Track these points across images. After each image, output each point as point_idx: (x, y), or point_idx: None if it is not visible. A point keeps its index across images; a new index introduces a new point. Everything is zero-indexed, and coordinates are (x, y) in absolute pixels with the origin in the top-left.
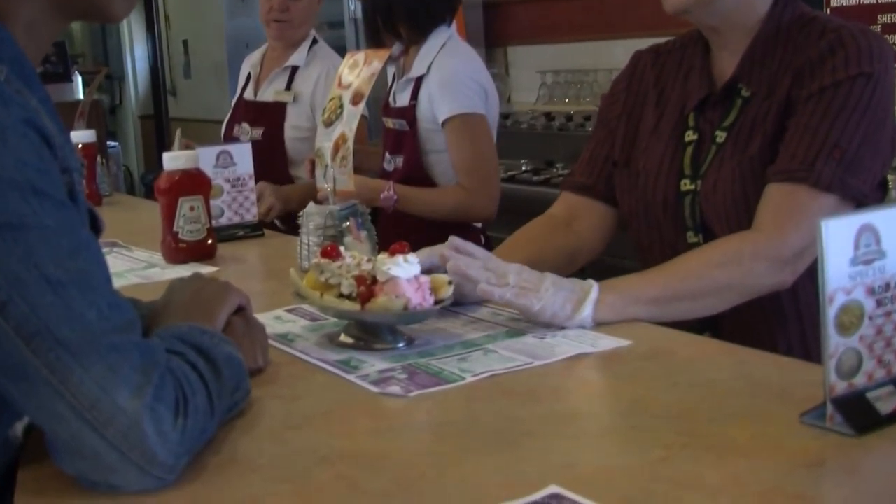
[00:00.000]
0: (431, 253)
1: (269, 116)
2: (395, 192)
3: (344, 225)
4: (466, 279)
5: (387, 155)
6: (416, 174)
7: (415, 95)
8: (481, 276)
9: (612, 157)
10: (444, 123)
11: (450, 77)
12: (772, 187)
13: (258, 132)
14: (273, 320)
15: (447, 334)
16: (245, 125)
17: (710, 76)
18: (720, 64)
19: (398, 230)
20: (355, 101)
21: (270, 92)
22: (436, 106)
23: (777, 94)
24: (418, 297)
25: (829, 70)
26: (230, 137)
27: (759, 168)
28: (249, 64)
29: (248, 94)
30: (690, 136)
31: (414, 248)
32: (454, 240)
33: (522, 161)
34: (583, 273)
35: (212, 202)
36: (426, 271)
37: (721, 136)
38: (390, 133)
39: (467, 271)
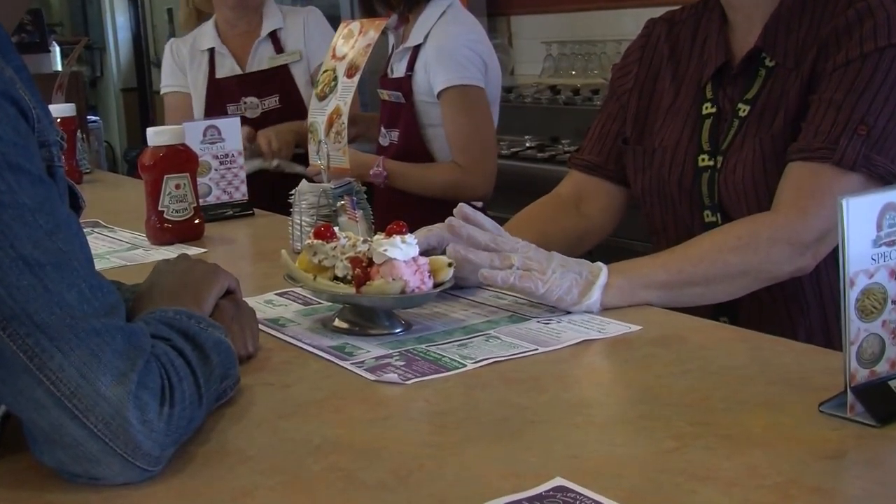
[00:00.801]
0: (430, 233)
1: (278, 82)
2: (385, 168)
3: (338, 204)
4: (468, 262)
5: (382, 129)
6: (413, 149)
7: (411, 66)
8: (483, 259)
9: (624, 134)
10: (439, 95)
11: (448, 47)
12: (793, 166)
13: (272, 101)
14: (264, 304)
15: (447, 319)
16: (252, 99)
17: (727, 45)
18: (740, 32)
19: (394, 209)
20: (350, 73)
21: (263, 61)
22: (432, 77)
23: (803, 65)
24: (417, 279)
25: (857, 41)
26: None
27: (781, 145)
28: (199, 44)
29: (228, 72)
30: (708, 108)
31: (411, 228)
32: (463, 208)
33: (526, 137)
34: (591, 256)
35: (199, 180)
36: (425, 252)
37: (744, 109)
38: (386, 105)
39: (468, 255)
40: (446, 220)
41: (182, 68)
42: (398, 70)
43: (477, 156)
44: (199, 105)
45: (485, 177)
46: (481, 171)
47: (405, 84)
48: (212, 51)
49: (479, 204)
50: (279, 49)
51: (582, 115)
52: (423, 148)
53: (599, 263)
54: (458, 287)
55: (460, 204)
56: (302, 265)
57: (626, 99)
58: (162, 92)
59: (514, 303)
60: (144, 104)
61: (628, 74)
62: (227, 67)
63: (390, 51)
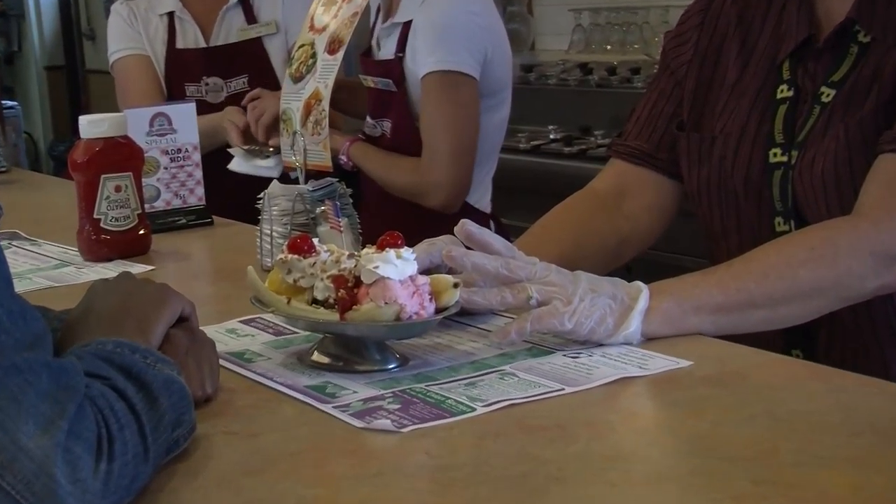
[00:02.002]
0: (433, 247)
1: (248, 59)
2: (350, 157)
3: (318, 210)
4: (474, 307)
5: (368, 119)
6: (408, 144)
7: (402, 46)
8: (492, 299)
9: (679, 117)
10: (422, 80)
11: (439, 22)
12: (883, 159)
13: (239, 82)
14: (226, 334)
15: (452, 352)
16: (215, 80)
17: (811, 15)
18: (828, 0)
19: (384, 217)
20: (332, 48)
21: (231, 33)
22: (417, 56)
23: None
24: (415, 303)
25: None
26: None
27: (871, 134)
28: (156, 7)
29: (190, 43)
30: (784, 92)
31: (408, 240)
32: (466, 225)
33: (550, 127)
34: (629, 273)
35: (144, 181)
36: (425, 271)
37: (828, 93)
38: (372, 93)
39: (472, 297)
40: (444, 252)
41: (137, 29)
42: (385, 50)
43: (443, 159)
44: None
45: (448, 187)
46: (445, 179)
47: (395, 68)
48: (171, 16)
49: (487, 210)
50: (252, 19)
51: (619, 100)
52: (417, 140)
53: (638, 283)
54: (466, 313)
55: (462, 220)
56: (273, 286)
57: (683, 74)
58: (112, 59)
59: (535, 333)
60: (74, 86)
61: (686, 44)
62: (189, 37)
63: (371, 24)
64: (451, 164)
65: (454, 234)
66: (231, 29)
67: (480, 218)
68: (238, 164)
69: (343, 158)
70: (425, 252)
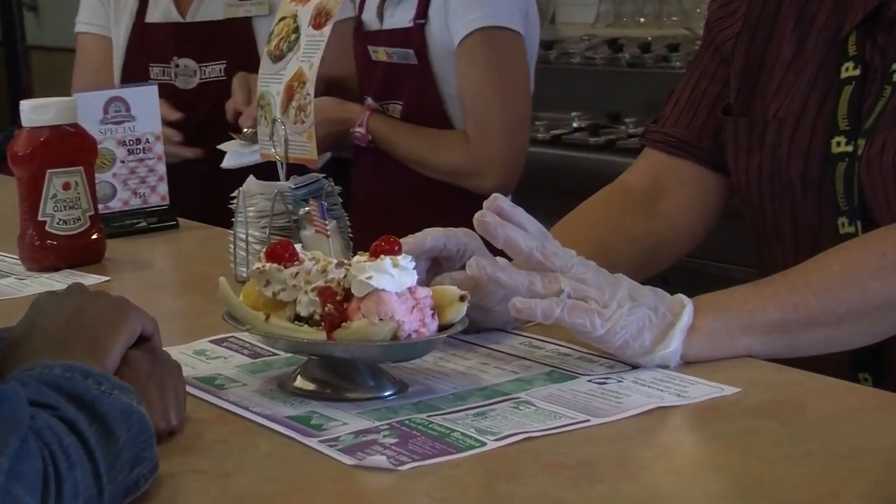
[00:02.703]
0: (449, 231)
1: (231, 42)
2: (371, 130)
3: (301, 211)
4: (496, 285)
5: (369, 100)
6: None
7: (422, 11)
8: (519, 281)
9: (725, 99)
10: (460, 43)
11: None
12: None
13: (216, 69)
14: (194, 356)
15: (458, 377)
16: (187, 62)
17: None
18: None
19: (380, 216)
20: (318, 23)
21: (216, 8)
22: (452, 19)
23: None
24: (415, 319)
25: None
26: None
27: None
28: None
29: (161, 17)
30: (850, 70)
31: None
32: (499, 200)
33: (573, 114)
34: (665, 284)
35: (98, 177)
36: (427, 281)
37: None
38: (378, 70)
39: (496, 274)
40: (475, 216)
41: (108, 4)
42: (397, 19)
43: (498, 130)
44: (116, 60)
45: (506, 163)
46: (501, 154)
47: (415, 37)
48: None
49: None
50: None
51: (654, 82)
52: (444, 128)
53: (681, 297)
54: (475, 330)
55: (494, 195)
56: (249, 300)
57: (730, 50)
58: (76, 29)
59: (556, 353)
60: (14, 65)
61: (733, 15)
62: (161, 10)
63: None
64: (508, 135)
65: (478, 217)
66: (213, 4)
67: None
68: (232, 159)
69: (360, 131)
70: (444, 231)
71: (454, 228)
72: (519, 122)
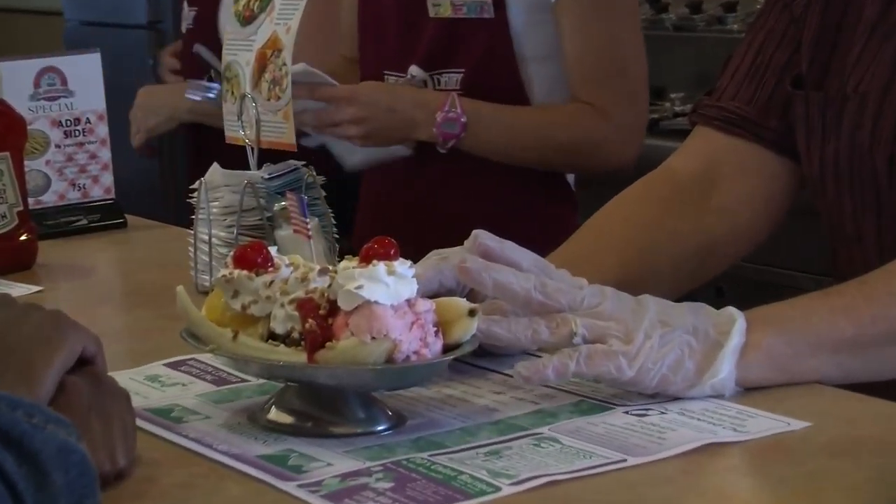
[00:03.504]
0: (444, 262)
1: None
2: (465, 111)
3: (277, 207)
4: (494, 341)
5: (415, 71)
6: (491, 100)
7: None
8: (520, 331)
9: (795, 69)
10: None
11: None
12: None
13: (191, 14)
14: (145, 383)
15: (467, 408)
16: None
17: None
18: None
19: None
20: None
21: None
22: None
23: None
24: (414, 338)
25: None
26: None
27: None
28: None
29: None
30: None
31: (413, 248)
32: (482, 237)
33: None
34: (719, 296)
35: (28, 164)
36: (432, 296)
37: None
38: (429, 28)
39: (491, 328)
40: (456, 264)
41: None
42: None
43: (624, 90)
44: None
45: (637, 131)
46: (631, 120)
47: None
48: None
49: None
50: None
51: (706, 49)
52: (519, 99)
53: (731, 311)
54: (487, 353)
55: (475, 232)
56: (213, 314)
57: (802, 10)
58: None
59: (585, 379)
60: None
61: None
62: None
63: None
64: (635, 99)
65: (459, 264)
66: None
67: (559, 213)
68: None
69: (453, 113)
70: (434, 268)
71: (452, 250)
72: (642, 78)
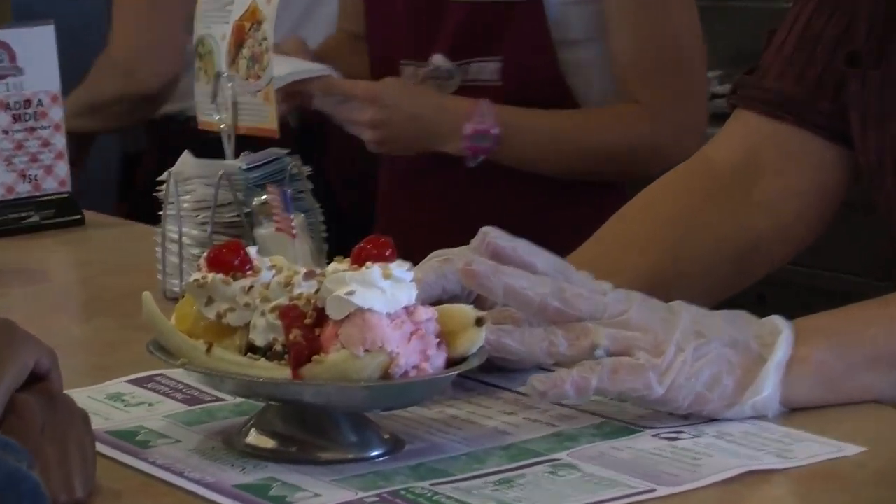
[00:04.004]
0: (447, 264)
1: None
2: (498, 121)
3: (256, 201)
4: (506, 354)
5: (439, 61)
6: (538, 95)
7: None
8: (533, 344)
9: (849, 44)
10: None
11: None
12: None
13: None
14: (107, 402)
15: (474, 430)
16: None
17: None
18: None
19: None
20: None
21: None
22: None
23: None
24: (413, 351)
25: None
26: None
27: None
28: None
29: None
30: None
31: (413, 250)
32: (490, 235)
33: None
34: (761, 303)
35: None
36: (435, 303)
37: None
38: (455, 12)
39: (502, 340)
40: (459, 267)
41: None
42: None
43: (679, 86)
44: None
45: (692, 129)
46: (686, 117)
47: None
48: None
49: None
50: None
51: (746, 21)
52: (559, 92)
53: (775, 320)
54: (497, 367)
55: (483, 229)
56: (184, 324)
57: None
58: None
59: (605, 397)
60: None
61: None
62: None
63: None
64: (692, 95)
65: (464, 267)
66: None
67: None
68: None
69: (481, 126)
70: (436, 271)
71: (455, 251)
72: (700, 70)
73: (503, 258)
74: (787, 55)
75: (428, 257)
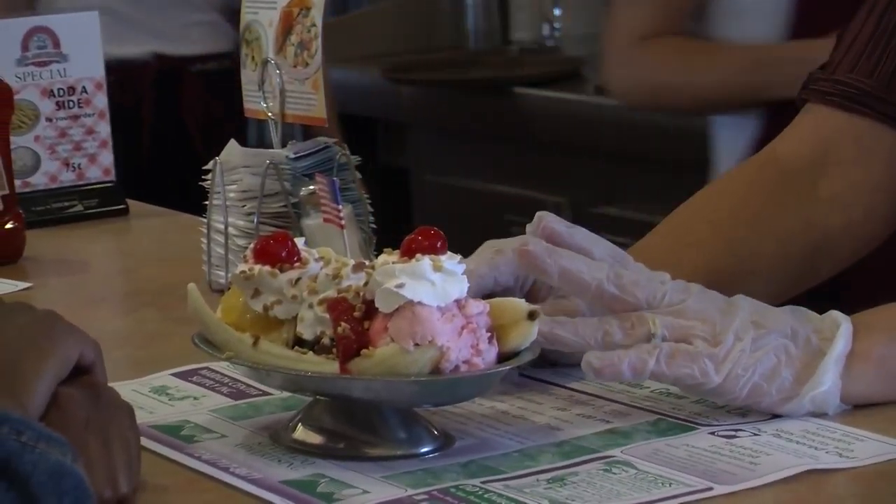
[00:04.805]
0: (500, 255)
1: None
2: None
3: (304, 191)
4: (559, 346)
5: None
6: None
7: None
8: (587, 333)
9: None
10: None
11: None
12: None
13: None
14: (151, 396)
15: (525, 427)
16: None
17: None
18: None
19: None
20: None
21: None
22: None
23: None
24: (464, 345)
25: None
26: None
27: None
28: None
29: None
30: None
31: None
32: (547, 219)
33: None
34: (836, 301)
35: (15, 141)
36: (487, 296)
37: None
38: None
39: (554, 330)
40: (514, 246)
41: None
42: None
43: None
44: None
45: None
46: None
47: None
48: None
49: None
50: None
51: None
52: None
53: (835, 314)
54: (550, 363)
55: (540, 213)
56: (230, 316)
57: None
58: None
59: (664, 394)
60: None
61: None
62: None
63: None
64: None
65: (519, 247)
66: None
67: None
68: None
69: None
70: (488, 262)
71: (508, 241)
72: None
73: (559, 242)
74: (859, 50)
75: (480, 248)
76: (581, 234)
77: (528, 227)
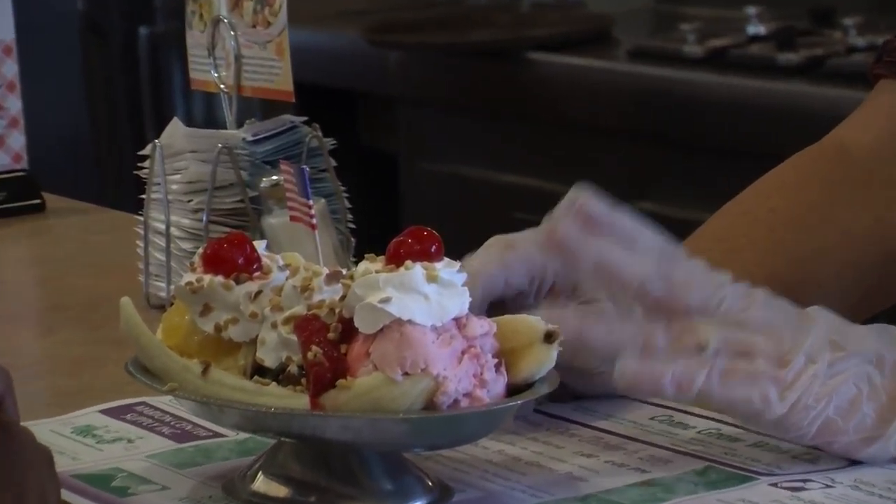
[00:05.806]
0: (509, 251)
1: None
2: None
3: (265, 183)
4: (589, 346)
5: None
6: None
7: None
8: (625, 336)
9: None
10: None
11: None
12: None
13: None
14: (74, 436)
15: (541, 475)
16: None
17: None
18: None
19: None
20: None
21: None
22: None
23: None
24: (465, 374)
25: None
26: None
27: None
28: None
29: None
30: None
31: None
32: (583, 196)
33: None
34: None
35: None
36: (493, 306)
37: None
38: None
39: (584, 331)
40: (546, 228)
41: None
42: None
43: None
44: None
45: None
46: None
47: None
48: None
49: None
50: None
51: None
52: None
53: None
54: (571, 394)
55: (576, 189)
56: (173, 338)
57: None
58: None
59: (714, 436)
60: None
61: None
62: None
63: None
64: None
65: (548, 229)
66: None
67: None
68: None
69: None
70: (497, 261)
71: (518, 244)
72: None
73: (597, 228)
74: None
75: (486, 244)
76: (626, 220)
77: (560, 206)
